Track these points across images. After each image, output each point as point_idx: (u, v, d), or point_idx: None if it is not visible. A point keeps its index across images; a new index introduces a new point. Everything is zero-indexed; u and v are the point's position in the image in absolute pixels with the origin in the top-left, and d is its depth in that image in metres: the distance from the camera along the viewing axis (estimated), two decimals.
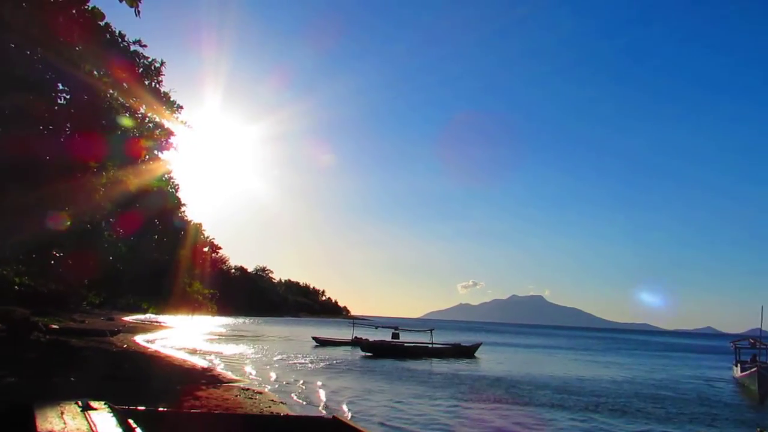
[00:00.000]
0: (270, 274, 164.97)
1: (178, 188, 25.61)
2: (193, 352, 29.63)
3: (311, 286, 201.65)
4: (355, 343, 40.49)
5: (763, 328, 33.49)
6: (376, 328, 56.75)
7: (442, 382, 22.81)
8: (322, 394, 17.32)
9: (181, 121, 20.00)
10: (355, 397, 17.26)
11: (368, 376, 24.15)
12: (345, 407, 14.93)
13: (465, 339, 52.86)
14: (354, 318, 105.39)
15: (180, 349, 30.29)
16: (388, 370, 26.95)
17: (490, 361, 36.19)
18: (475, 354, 39.96)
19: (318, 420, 6.63)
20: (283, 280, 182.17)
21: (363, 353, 35.92)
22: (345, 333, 50.79)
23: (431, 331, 41.57)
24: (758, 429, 12.81)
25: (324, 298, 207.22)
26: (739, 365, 30.40)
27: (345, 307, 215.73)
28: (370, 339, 40.51)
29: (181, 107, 19.74)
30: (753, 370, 26.32)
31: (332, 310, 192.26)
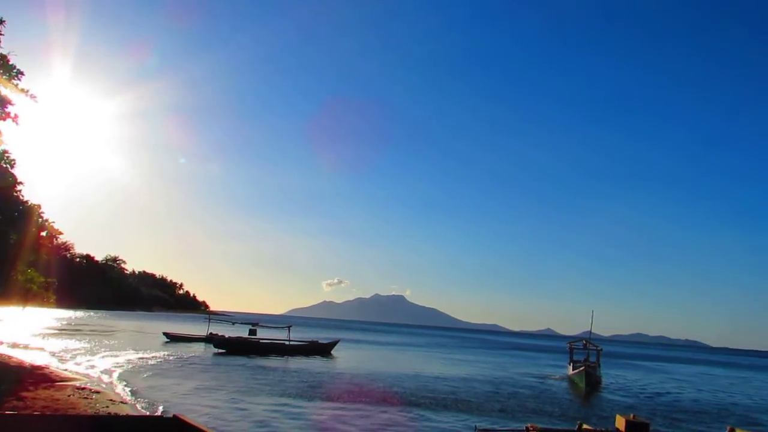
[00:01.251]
0: (122, 264, 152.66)
1: (14, 164, 22.99)
2: (22, 347, 26.76)
3: (168, 279, 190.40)
4: (210, 339, 39.16)
5: (594, 331, 38.16)
6: (233, 323, 55.14)
7: (292, 379, 22.89)
8: (165, 393, 16.69)
9: (22, 89, 18.16)
10: (191, 395, 16.91)
11: (214, 373, 23.60)
12: (179, 406, 14.49)
13: (325, 336, 53.48)
14: (212, 313, 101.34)
15: (5, 344, 27.15)
16: (238, 367, 26.46)
17: (346, 358, 37.07)
18: (332, 351, 40.63)
19: (158, 419, 6.50)
20: (136, 271, 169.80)
21: (216, 350, 34.94)
22: (200, 328, 48.93)
23: (289, 327, 41.47)
24: (578, 423, 14.35)
25: (181, 291, 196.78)
26: (572, 364, 33.40)
27: (204, 301, 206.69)
28: (226, 335, 39.43)
29: (22, 73, 17.96)
30: (581, 368, 29.62)
31: (190, 305, 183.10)
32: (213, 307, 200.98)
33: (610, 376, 37.80)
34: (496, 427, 14.76)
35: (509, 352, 72.10)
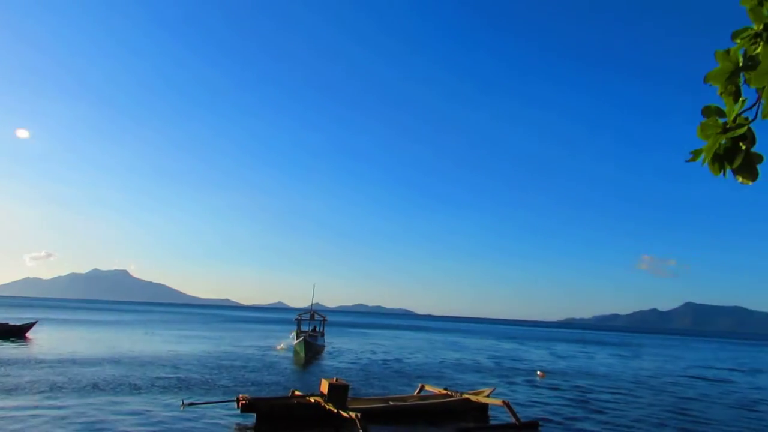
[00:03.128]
0: None
1: None
2: None
3: None
4: None
5: (321, 303, 40.33)
6: None
7: None
8: None
9: None
10: None
11: None
12: None
13: (21, 317, 45.18)
14: None
15: None
16: None
17: (45, 341, 31.99)
18: (27, 334, 34.73)
19: None
20: None
21: None
22: None
23: None
24: (291, 390, 14.73)
25: None
26: (296, 335, 34.04)
27: None
28: None
29: None
30: (300, 339, 30.83)
31: None
32: None
33: (334, 344, 40.70)
34: (206, 399, 14.39)
35: (238, 326, 71.94)
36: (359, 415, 11.56)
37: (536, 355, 41.08)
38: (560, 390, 20.80)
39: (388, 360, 30.22)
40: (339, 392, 12.44)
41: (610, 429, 13.78)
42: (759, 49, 2.42)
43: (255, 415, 12.60)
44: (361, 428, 11.35)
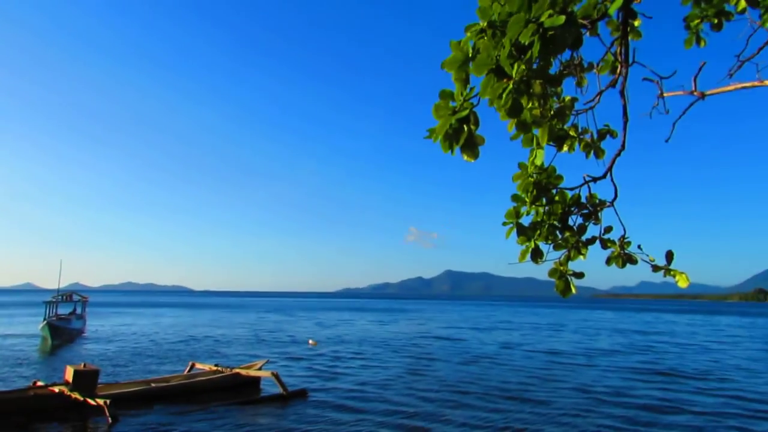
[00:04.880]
0: None
1: None
2: None
3: None
4: None
5: (83, 283, 35.63)
6: None
7: None
8: None
9: None
10: None
11: None
12: None
13: None
14: None
15: None
16: None
17: None
18: None
19: None
20: None
21: None
22: None
23: None
24: (33, 381, 12.81)
25: None
26: (47, 318, 29.96)
27: None
28: None
29: None
30: (44, 322, 27.04)
31: None
32: None
33: (94, 327, 36.62)
34: None
35: None
36: (108, 401, 10.57)
37: (306, 325, 42.62)
38: (326, 357, 21.88)
39: (156, 341, 28.26)
40: (86, 378, 11.16)
41: (361, 391, 14.92)
42: (481, 43, 2.69)
43: None
44: (110, 416, 10.40)
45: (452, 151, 2.82)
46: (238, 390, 14.24)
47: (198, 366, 15.73)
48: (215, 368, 15.16)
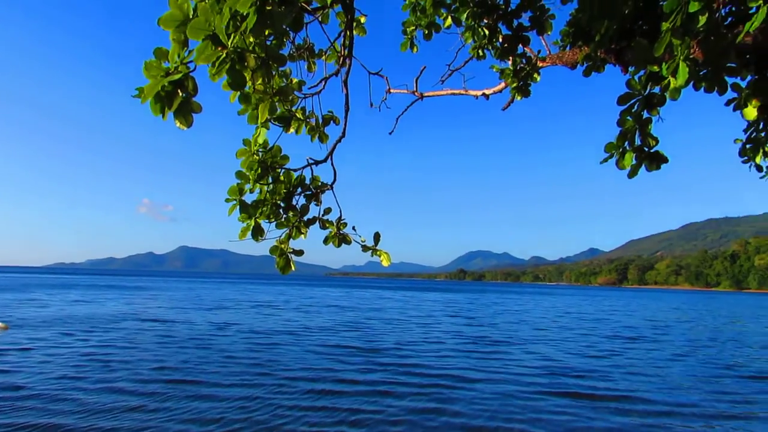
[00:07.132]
0: None
1: None
2: None
3: None
4: None
5: None
6: None
7: None
8: None
9: None
10: None
11: None
12: None
13: None
14: None
15: None
16: None
17: None
18: None
19: None
20: None
21: None
22: None
23: None
24: None
25: None
26: None
27: None
28: None
29: None
30: None
31: None
32: None
33: None
34: None
35: None
36: None
37: None
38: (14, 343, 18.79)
39: None
40: None
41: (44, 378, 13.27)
42: (201, 6, 2.50)
43: None
44: None
45: (164, 116, 2.60)
46: None
47: None
48: None
